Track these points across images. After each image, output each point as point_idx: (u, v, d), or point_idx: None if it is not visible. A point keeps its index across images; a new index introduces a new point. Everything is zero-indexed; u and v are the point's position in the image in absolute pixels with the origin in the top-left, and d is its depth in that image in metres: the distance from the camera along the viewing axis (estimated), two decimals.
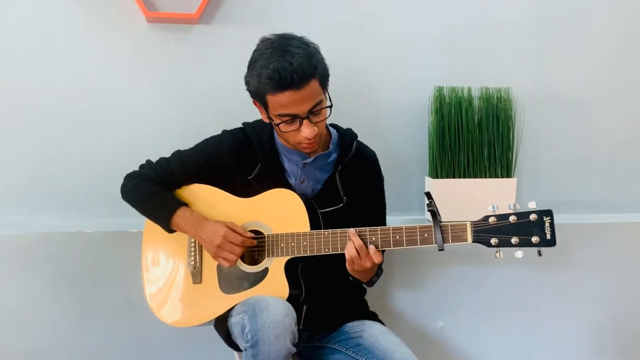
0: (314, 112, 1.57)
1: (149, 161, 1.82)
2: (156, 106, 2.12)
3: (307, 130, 1.58)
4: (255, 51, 1.60)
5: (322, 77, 1.58)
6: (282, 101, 1.54)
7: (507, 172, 2.18)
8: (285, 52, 1.53)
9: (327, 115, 1.63)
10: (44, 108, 2.07)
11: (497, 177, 2.17)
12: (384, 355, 1.62)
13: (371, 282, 1.75)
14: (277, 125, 1.60)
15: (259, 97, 1.60)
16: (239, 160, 1.73)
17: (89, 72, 2.08)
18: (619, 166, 2.36)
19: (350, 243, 1.58)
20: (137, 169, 1.82)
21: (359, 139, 1.81)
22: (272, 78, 1.51)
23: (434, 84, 2.17)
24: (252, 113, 1.76)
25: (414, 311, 2.22)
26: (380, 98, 2.23)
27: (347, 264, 1.62)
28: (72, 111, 2.08)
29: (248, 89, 1.63)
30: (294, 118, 1.57)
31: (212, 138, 1.79)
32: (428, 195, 1.54)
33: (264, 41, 1.60)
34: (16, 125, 2.07)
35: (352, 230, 1.59)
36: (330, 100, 1.63)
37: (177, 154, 1.79)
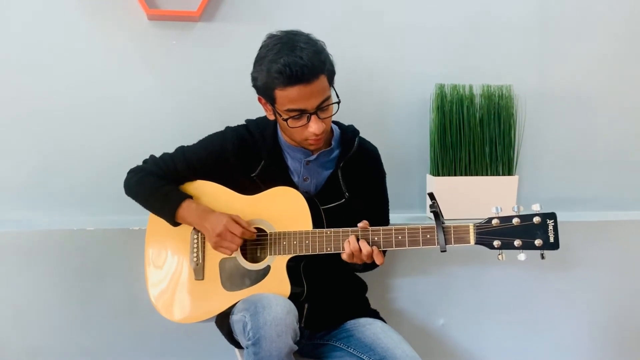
0: (322, 107, 1.58)
1: (152, 156, 1.82)
2: (157, 104, 2.12)
3: (314, 126, 1.58)
4: (262, 47, 1.60)
5: (330, 73, 1.60)
6: (291, 96, 1.55)
7: (508, 170, 2.18)
8: (294, 47, 1.54)
9: (335, 112, 1.63)
10: (44, 105, 2.07)
11: (499, 175, 2.17)
12: (386, 353, 1.62)
13: (367, 268, 1.76)
14: (285, 120, 1.60)
15: (267, 93, 1.60)
16: (242, 157, 1.73)
17: (91, 70, 2.07)
18: (621, 164, 2.37)
19: (347, 245, 1.58)
20: (140, 164, 1.82)
21: (360, 136, 1.81)
22: (283, 72, 1.51)
23: (435, 81, 2.16)
24: (254, 110, 1.76)
25: (415, 309, 2.22)
26: (381, 95, 2.23)
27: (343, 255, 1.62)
28: (73, 108, 2.08)
29: (255, 85, 1.63)
30: (302, 113, 1.58)
31: (216, 134, 1.79)
32: (431, 196, 1.53)
33: (271, 37, 1.60)
34: (17, 122, 2.07)
35: (354, 231, 1.59)
36: (338, 97, 1.63)
37: (181, 149, 1.79)
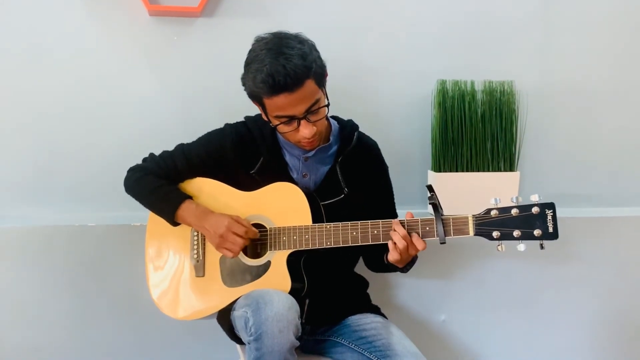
0: (311, 111, 1.56)
1: (152, 154, 1.82)
2: (158, 100, 2.12)
3: (305, 131, 1.58)
4: (250, 51, 1.59)
5: (318, 75, 1.56)
6: (278, 104, 1.54)
7: (510, 166, 2.17)
8: (279, 54, 1.51)
9: (326, 114, 1.62)
10: (46, 102, 2.07)
11: (500, 170, 2.16)
12: (387, 349, 1.63)
13: (406, 269, 1.74)
14: (276, 126, 1.60)
15: (255, 99, 1.61)
16: (241, 154, 1.73)
17: (91, 66, 2.08)
18: (622, 160, 2.36)
19: (395, 234, 1.56)
20: (140, 162, 1.82)
21: (359, 130, 1.80)
22: (266, 82, 1.50)
23: (436, 78, 2.16)
24: (255, 106, 1.76)
25: (416, 304, 2.22)
26: (383, 92, 2.23)
27: (390, 255, 1.58)
28: (74, 105, 2.09)
29: (245, 90, 1.62)
30: (291, 119, 1.57)
31: (215, 131, 1.79)
32: (430, 188, 1.53)
33: (259, 41, 1.58)
34: (19, 119, 2.07)
35: (395, 220, 1.57)
36: (328, 99, 1.62)
37: (180, 147, 1.79)
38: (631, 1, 2.29)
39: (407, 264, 1.70)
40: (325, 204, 1.69)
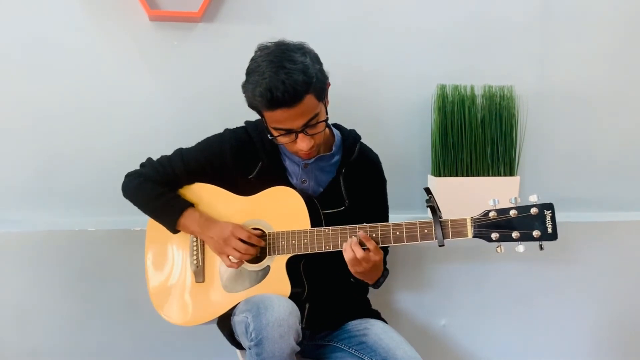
0: (309, 125, 1.56)
1: (150, 159, 1.81)
2: (159, 104, 2.13)
3: (302, 144, 1.58)
4: (252, 60, 1.58)
5: (318, 90, 1.55)
6: (275, 117, 1.54)
7: (510, 171, 2.17)
8: (279, 67, 1.50)
9: (324, 129, 1.62)
10: (47, 106, 2.08)
11: (500, 175, 2.17)
12: (387, 354, 1.62)
13: (377, 284, 1.74)
14: (274, 137, 1.60)
15: (254, 109, 1.61)
16: (241, 159, 1.73)
17: (92, 71, 2.08)
18: (622, 164, 2.36)
19: (347, 245, 1.57)
20: (138, 167, 1.82)
21: (362, 137, 1.80)
22: (264, 96, 1.50)
23: (436, 82, 2.16)
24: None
25: (416, 309, 2.22)
26: (382, 96, 2.23)
27: (349, 267, 1.60)
28: (75, 109, 2.09)
29: (245, 99, 1.62)
30: (289, 131, 1.57)
31: (214, 136, 1.79)
32: (427, 190, 1.53)
33: (262, 50, 1.58)
34: (19, 123, 2.07)
35: (354, 239, 1.58)
36: (327, 113, 1.62)
37: (179, 152, 1.79)
38: (630, 4, 2.30)
39: (377, 279, 1.70)
40: (325, 213, 1.69)
